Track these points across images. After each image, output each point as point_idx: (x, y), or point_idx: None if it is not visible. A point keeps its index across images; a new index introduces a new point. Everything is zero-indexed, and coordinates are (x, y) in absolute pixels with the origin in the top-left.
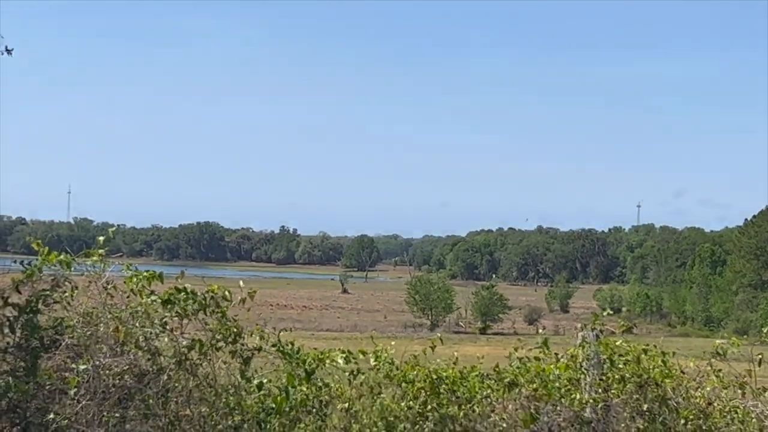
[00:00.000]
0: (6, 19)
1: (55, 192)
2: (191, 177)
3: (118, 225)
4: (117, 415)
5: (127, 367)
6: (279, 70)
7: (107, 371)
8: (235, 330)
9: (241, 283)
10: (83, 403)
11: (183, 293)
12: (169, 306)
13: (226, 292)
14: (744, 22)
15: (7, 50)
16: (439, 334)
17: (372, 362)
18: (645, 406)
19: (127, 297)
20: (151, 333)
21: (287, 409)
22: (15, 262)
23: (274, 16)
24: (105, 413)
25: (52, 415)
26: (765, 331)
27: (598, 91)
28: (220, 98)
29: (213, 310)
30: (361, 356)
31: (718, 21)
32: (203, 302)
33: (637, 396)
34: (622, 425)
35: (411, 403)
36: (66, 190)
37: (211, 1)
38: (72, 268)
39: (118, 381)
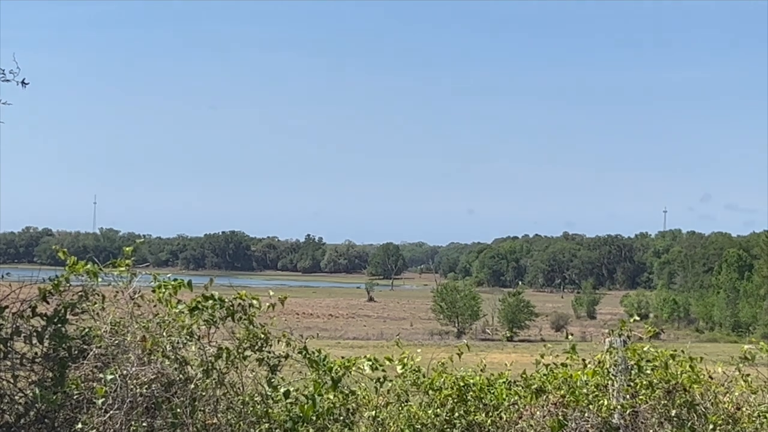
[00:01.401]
0: (30, 32)
1: (81, 203)
2: (216, 186)
3: (144, 235)
4: (145, 424)
5: (155, 376)
6: (302, 80)
7: (135, 380)
8: (262, 336)
9: (270, 292)
10: (111, 412)
11: (210, 300)
12: (196, 313)
13: (254, 301)
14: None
15: (23, 83)
16: (465, 341)
17: (399, 370)
18: (673, 412)
19: (154, 306)
20: (178, 342)
21: (314, 417)
22: (40, 275)
23: (296, 23)
24: (133, 422)
25: (80, 425)
26: None
27: (623, 96)
28: (245, 108)
29: (240, 317)
30: (387, 363)
31: (744, 24)
32: (231, 308)
33: (665, 401)
34: (651, 431)
35: (438, 410)
36: (92, 201)
37: (232, 8)
38: (99, 279)
39: (145, 390)
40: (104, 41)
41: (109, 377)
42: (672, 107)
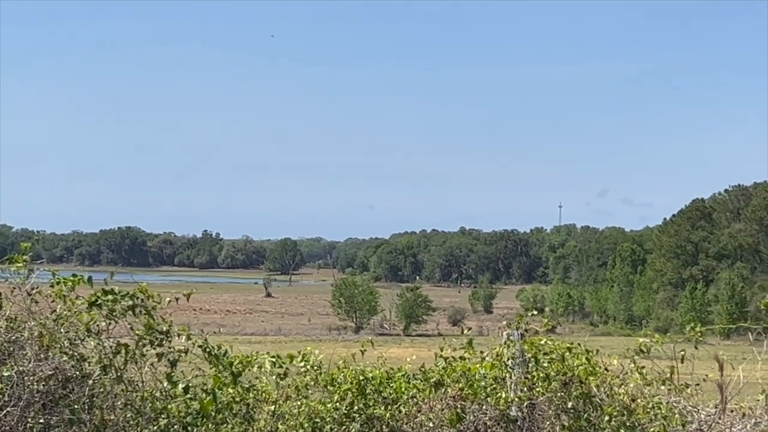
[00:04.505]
0: None
1: None
2: (112, 182)
3: (38, 231)
4: (41, 421)
5: (52, 372)
6: (199, 75)
7: (31, 377)
8: (163, 330)
9: (172, 292)
10: (7, 409)
11: (110, 295)
12: (95, 309)
13: (156, 296)
14: (660, 26)
15: None
16: (370, 338)
17: (300, 364)
18: (570, 404)
19: (52, 302)
20: (76, 338)
21: (213, 412)
22: None
23: (188, 19)
24: (29, 419)
25: None
26: (688, 328)
27: (520, 91)
28: (139, 100)
29: (140, 311)
30: (290, 361)
31: (635, 23)
32: (133, 300)
33: (562, 394)
34: (547, 423)
35: (338, 404)
36: None
37: (127, 5)
38: None
39: (42, 387)
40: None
41: (5, 374)
42: (569, 102)
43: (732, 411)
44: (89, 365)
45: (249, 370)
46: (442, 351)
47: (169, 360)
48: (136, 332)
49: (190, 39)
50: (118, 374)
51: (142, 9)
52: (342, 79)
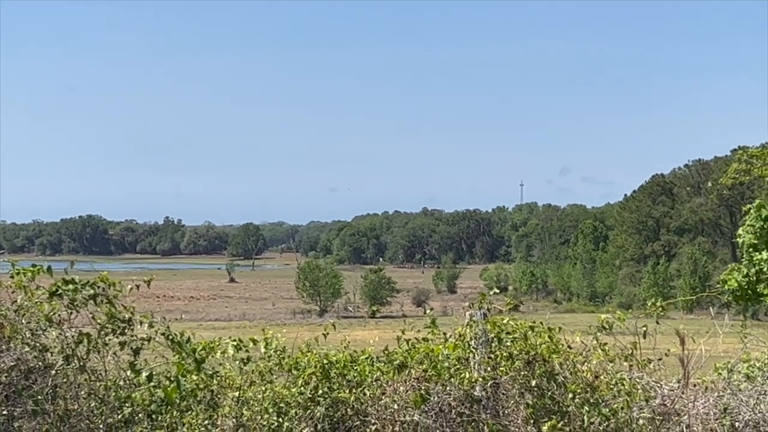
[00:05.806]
0: None
1: None
2: (72, 170)
3: None
4: (5, 413)
5: (14, 363)
6: (157, 60)
7: None
8: (126, 318)
9: (134, 279)
10: None
11: (71, 284)
12: (56, 298)
13: (117, 284)
14: (618, 3)
15: None
16: (332, 321)
17: (262, 350)
18: (533, 382)
19: (13, 293)
20: (37, 328)
21: (178, 399)
22: None
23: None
24: None
25: None
26: (649, 303)
27: (479, 72)
28: (97, 87)
29: (102, 300)
30: (251, 344)
31: (593, 1)
32: (94, 288)
33: (525, 372)
34: (512, 402)
35: (302, 388)
36: None
37: None
38: None
39: (4, 378)
40: None
41: None
42: (528, 81)
43: (695, 385)
44: (51, 355)
45: (212, 356)
46: (404, 333)
47: (131, 348)
48: (98, 321)
49: (146, 24)
50: (81, 364)
51: None
52: (301, 62)
